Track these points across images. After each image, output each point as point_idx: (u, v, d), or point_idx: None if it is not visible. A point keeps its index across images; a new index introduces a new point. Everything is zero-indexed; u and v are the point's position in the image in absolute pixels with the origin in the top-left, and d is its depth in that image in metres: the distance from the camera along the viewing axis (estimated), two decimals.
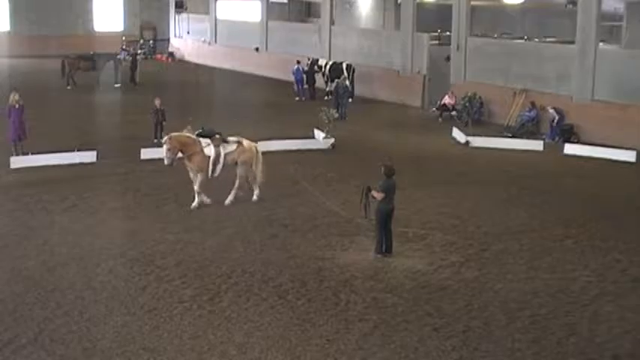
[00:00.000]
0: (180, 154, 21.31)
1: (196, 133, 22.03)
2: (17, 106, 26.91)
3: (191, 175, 21.76)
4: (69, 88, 45.02)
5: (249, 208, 21.73)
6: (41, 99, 37.99)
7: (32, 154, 26.42)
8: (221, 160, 21.59)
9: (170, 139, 21.16)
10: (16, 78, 45.91)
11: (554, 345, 13.90)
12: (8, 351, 13.13)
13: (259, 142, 28.86)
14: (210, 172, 21.57)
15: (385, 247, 18.07)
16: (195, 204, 21.56)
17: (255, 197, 22.29)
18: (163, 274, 16.66)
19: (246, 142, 22.31)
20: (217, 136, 21.89)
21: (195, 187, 21.58)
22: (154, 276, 16.57)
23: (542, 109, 33.88)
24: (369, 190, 18.02)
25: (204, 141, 21.65)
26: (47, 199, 22.21)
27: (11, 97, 27.19)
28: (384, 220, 17.97)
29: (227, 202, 21.91)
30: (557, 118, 33.15)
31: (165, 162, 21.15)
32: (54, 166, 25.77)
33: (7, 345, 13.34)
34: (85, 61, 46.65)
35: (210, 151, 21.53)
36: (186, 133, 21.73)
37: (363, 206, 18.32)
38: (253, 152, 22.32)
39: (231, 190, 21.98)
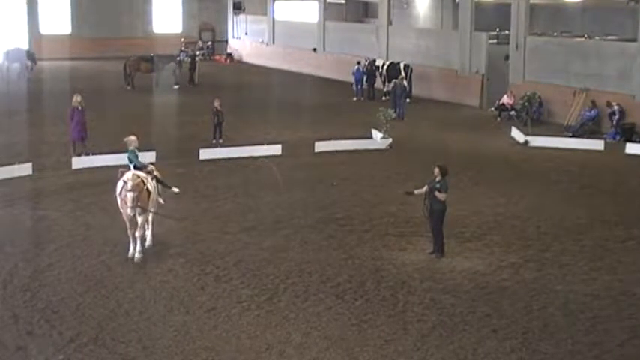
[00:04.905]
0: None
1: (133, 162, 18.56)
2: (80, 107, 27.34)
3: (127, 217, 17.45)
4: (128, 88, 45.56)
5: (306, 208, 21.76)
6: (101, 100, 38.39)
7: (93, 154, 26.81)
8: (156, 192, 18.41)
9: (136, 184, 17.19)
10: (78, 80, 46.52)
11: (615, 347, 13.70)
12: (70, 349, 13.34)
13: (317, 143, 29.17)
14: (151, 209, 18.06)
15: (438, 247, 18.01)
16: (139, 255, 17.56)
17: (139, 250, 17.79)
18: (222, 274, 16.78)
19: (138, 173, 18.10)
20: (150, 166, 19.20)
21: (139, 233, 17.60)
22: (213, 276, 16.70)
23: (607, 104, 33.27)
24: (432, 191, 17.78)
25: (141, 174, 17.95)
26: (107, 200, 22.39)
27: (74, 99, 27.64)
28: (442, 220, 17.87)
29: (137, 255, 17.61)
30: (617, 115, 32.61)
31: (130, 212, 17.15)
32: (114, 167, 26.01)
33: (70, 343, 13.55)
34: (145, 63, 47.11)
35: (151, 186, 17.99)
36: (133, 172, 17.77)
37: (425, 207, 18.15)
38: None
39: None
